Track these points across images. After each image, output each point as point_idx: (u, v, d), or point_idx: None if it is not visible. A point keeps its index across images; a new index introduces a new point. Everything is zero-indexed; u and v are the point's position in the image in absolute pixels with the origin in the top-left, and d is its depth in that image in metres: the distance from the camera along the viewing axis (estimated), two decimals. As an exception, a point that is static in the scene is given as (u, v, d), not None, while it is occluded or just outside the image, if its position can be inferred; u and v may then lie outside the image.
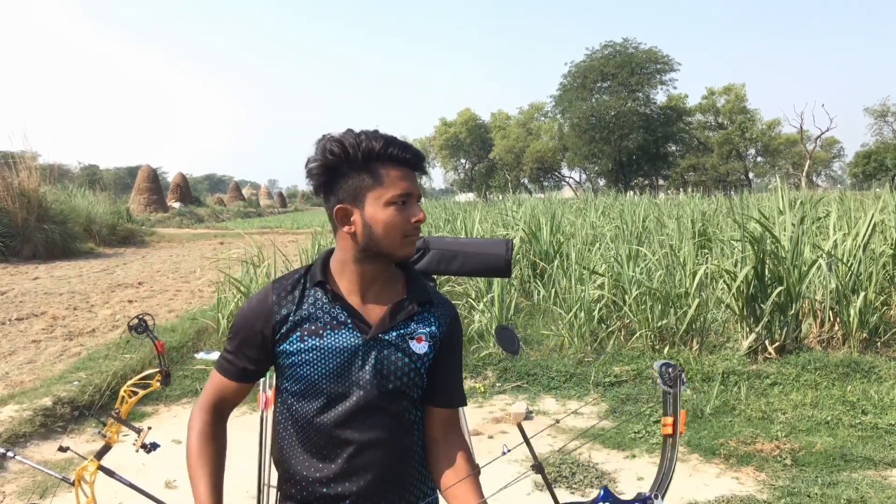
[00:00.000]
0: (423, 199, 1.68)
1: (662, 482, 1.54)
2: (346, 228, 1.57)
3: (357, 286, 1.62)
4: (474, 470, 1.62)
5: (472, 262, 2.36)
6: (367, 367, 1.58)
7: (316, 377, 1.58)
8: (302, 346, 1.58)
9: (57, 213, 18.45)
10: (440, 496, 1.72)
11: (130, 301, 11.25)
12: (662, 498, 1.46)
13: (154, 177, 37.33)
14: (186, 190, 43.29)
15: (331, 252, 1.68)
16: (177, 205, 38.61)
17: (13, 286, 12.62)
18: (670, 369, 1.57)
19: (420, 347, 1.62)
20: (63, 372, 6.28)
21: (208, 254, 18.85)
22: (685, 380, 1.55)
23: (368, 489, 1.59)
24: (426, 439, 1.67)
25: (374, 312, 1.62)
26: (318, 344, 1.57)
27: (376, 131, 1.55)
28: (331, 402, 1.59)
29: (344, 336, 1.58)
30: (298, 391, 1.61)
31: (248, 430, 5.30)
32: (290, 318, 1.59)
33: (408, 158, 1.54)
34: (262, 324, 1.60)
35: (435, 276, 2.42)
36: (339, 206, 1.56)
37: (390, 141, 1.53)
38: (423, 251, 2.34)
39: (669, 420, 1.57)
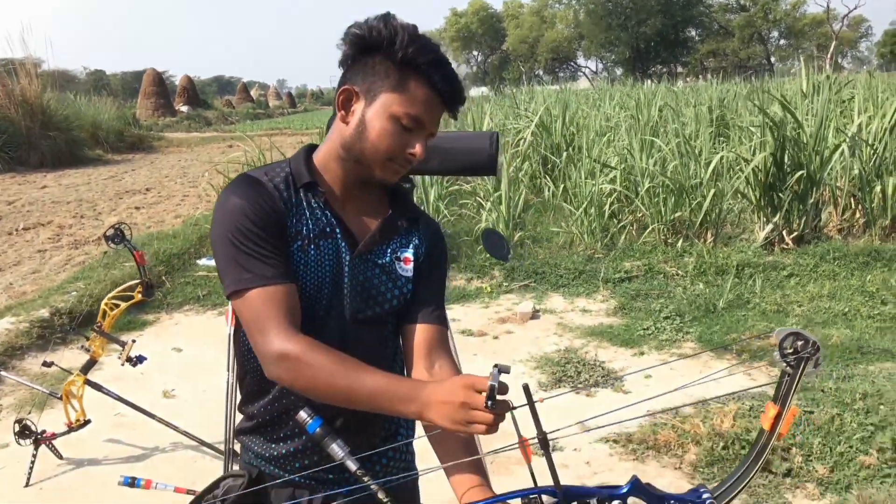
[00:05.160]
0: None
1: (732, 487, 1.14)
2: (342, 113, 1.36)
3: (340, 190, 1.41)
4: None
5: (452, 159, 2.12)
6: (350, 288, 1.39)
7: (303, 289, 1.36)
8: (301, 253, 1.36)
9: (61, 120, 18.13)
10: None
11: (137, 208, 11.14)
12: None
13: (160, 80, 36.49)
14: (194, 93, 42.44)
15: (311, 148, 1.46)
16: (185, 108, 37.95)
17: (20, 196, 12.52)
18: (799, 342, 1.09)
19: (406, 270, 1.45)
20: (62, 282, 6.21)
21: (217, 157, 18.61)
22: (820, 361, 1.05)
23: (344, 426, 1.38)
24: (408, 365, 1.45)
25: (359, 225, 1.42)
26: (313, 253, 1.37)
27: (438, 47, 1.35)
28: (308, 324, 1.36)
29: (331, 249, 1.38)
30: None
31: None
32: (295, 223, 1.37)
33: (443, 90, 1.33)
34: (278, 215, 1.34)
35: (412, 177, 2.20)
36: (347, 86, 1.35)
37: (440, 63, 1.32)
38: (395, 147, 2.12)
39: (774, 411, 1.11)
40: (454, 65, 1.45)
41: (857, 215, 7.02)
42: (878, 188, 6.77)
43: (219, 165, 11.72)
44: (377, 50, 1.32)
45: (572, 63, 60.61)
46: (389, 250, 1.44)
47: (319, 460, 1.41)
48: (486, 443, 1.32)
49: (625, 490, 1.04)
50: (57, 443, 3.49)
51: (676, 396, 3.99)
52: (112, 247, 3.31)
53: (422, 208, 1.67)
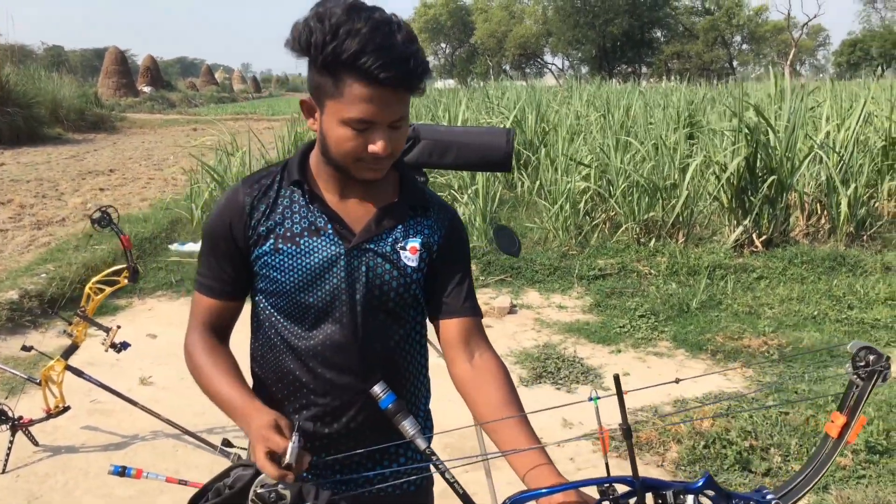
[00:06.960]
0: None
1: (795, 490, 1.17)
2: (309, 121, 1.33)
3: (336, 186, 1.38)
4: (511, 394, 1.38)
5: (468, 154, 2.13)
6: (349, 282, 1.35)
7: (289, 287, 1.36)
8: (276, 253, 1.36)
9: (20, 95, 17.62)
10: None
11: (102, 189, 10.89)
12: None
13: (122, 59, 35.76)
14: (157, 74, 41.67)
15: (311, 145, 1.42)
16: (147, 89, 37.23)
17: (-23, 173, 12.16)
18: (871, 356, 1.15)
19: (411, 259, 1.39)
20: (30, 263, 6.04)
21: (181, 140, 18.26)
22: (888, 375, 1.13)
23: (349, 427, 1.40)
24: (448, 359, 1.43)
25: (359, 217, 1.38)
26: (293, 251, 1.35)
27: (370, 23, 1.18)
28: (309, 322, 1.37)
29: (322, 244, 1.35)
30: (273, 304, 1.40)
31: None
32: (264, 221, 1.36)
33: (383, 79, 1.19)
34: (234, 229, 1.37)
35: (427, 170, 2.19)
36: (303, 98, 1.33)
37: (368, 48, 1.17)
38: (413, 141, 2.10)
39: (842, 420, 1.16)
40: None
41: (823, 221, 7.20)
42: (842, 195, 6.94)
43: (189, 149, 11.52)
44: (308, 57, 1.25)
45: (539, 59, 60.83)
46: (391, 239, 1.39)
47: (327, 457, 1.41)
48: (557, 434, 1.32)
49: (699, 484, 1.09)
50: (32, 429, 3.40)
51: (657, 395, 4.06)
52: (98, 229, 3.24)
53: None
